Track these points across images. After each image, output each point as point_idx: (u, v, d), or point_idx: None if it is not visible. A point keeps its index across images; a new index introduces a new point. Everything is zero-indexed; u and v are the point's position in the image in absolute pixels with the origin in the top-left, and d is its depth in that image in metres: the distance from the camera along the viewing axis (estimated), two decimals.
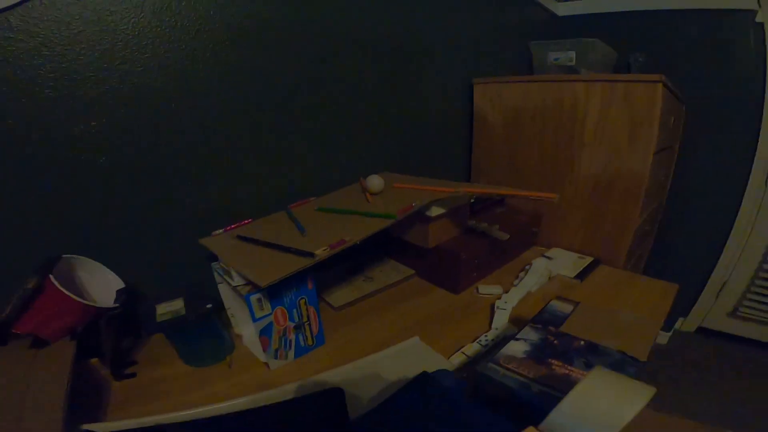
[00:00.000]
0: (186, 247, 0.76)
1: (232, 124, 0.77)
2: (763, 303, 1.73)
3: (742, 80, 1.51)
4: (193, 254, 0.76)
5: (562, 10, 1.75)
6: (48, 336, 0.57)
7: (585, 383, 0.37)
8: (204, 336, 0.67)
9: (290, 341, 0.66)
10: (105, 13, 0.58)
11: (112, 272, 0.68)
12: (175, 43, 0.66)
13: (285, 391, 0.58)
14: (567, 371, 0.45)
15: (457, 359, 0.62)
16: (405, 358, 0.64)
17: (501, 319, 0.71)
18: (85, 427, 0.49)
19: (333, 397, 0.51)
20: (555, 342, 0.51)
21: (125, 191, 0.68)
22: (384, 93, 1.03)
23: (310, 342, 0.69)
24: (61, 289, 0.56)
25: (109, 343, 0.63)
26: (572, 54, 1.39)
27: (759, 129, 1.51)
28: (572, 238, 1.13)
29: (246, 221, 0.77)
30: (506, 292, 0.84)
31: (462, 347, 0.65)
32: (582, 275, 0.92)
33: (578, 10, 1.73)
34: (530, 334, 0.53)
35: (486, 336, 0.67)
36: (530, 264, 0.92)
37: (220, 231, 0.73)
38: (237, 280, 0.60)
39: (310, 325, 0.67)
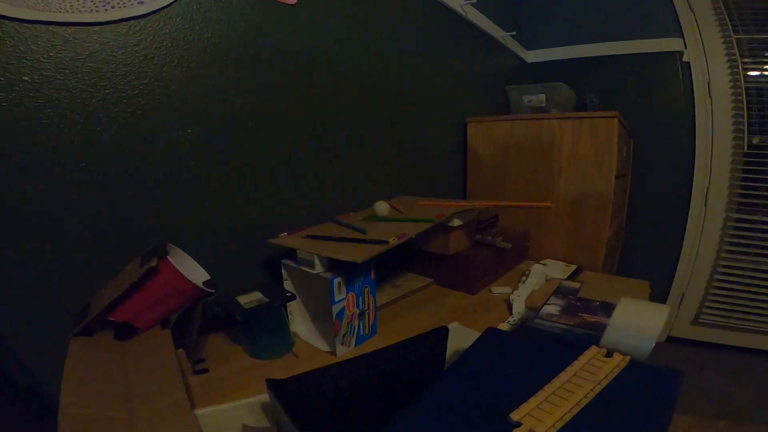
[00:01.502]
0: (246, 251, 0.92)
1: (283, 148, 0.98)
2: (721, 309, 2.03)
3: (675, 114, 1.90)
4: (251, 258, 0.93)
5: (531, 57, 2.13)
6: (142, 325, 0.62)
7: (620, 308, 0.58)
8: (272, 329, 0.77)
9: (354, 328, 0.84)
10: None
11: (198, 264, 0.74)
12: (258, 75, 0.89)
13: None
14: (595, 319, 0.68)
15: None
16: (451, 339, 0.84)
17: (519, 307, 0.94)
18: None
19: (439, 334, 0.62)
20: (577, 304, 0.75)
21: (206, 193, 0.84)
22: (395, 130, 1.29)
23: (367, 331, 0.87)
24: (180, 270, 0.62)
25: (195, 332, 0.69)
26: (543, 96, 1.72)
27: (693, 156, 1.90)
28: (557, 250, 1.40)
29: (302, 228, 0.96)
30: (514, 291, 1.07)
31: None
32: (571, 277, 1.17)
33: (544, 57, 2.12)
34: (556, 300, 0.77)
35: (512, 318, 0.89)
36: (529, 270, 1.17)
37: (285, 234, 0.92)
38: (318, 268, 0.78)
39: (369, 313, 0.86)
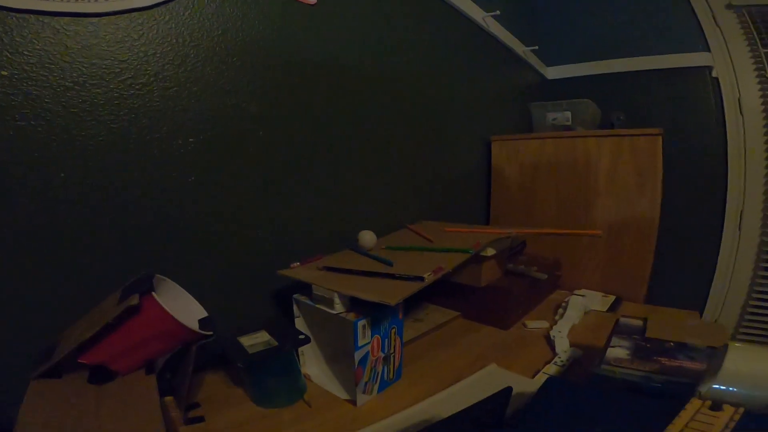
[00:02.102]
0: (254, 283, 0.82)
1: (297, 163, 0.88)
2: (755, 336, 1.91)
3: (706, 132, 1.82)
4: (257, 290, 0.82)
5: (551, 73, 2.06)
6: (122, 368, 0.53)
7: (732, 355, 0.49)
8: (281, 373, 0.67)
9: (377, 374, 0.73)
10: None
11: (194, 300, 0.65)
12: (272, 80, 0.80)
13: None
14: (677, 364, 0.57)
15: (541, 379, 0.72)
16: (489, 384, 0.72)
17: (563, 344, 0.83)
18: None
19: (501, 398, 0.54)
20: (647, 345, 0.63)
21: (207, 212, 0.74)
22: (414, 145, 1.20)
23: (391, 376, 0.76)
24: (167, 310, 0.52)
25: (188, 379, 0.58)
26: (568, 114, 1.64)
27: (726, 177, 1.81)
28: (591, 279, 1.29)
29: (317, 257, 0.85)
30: (551, 326, 0.96)
31: (537, 370, 0.75)
32: (611, 309, 1.06)
33: (565, 74, 2.05)
34: (621, 341, 0.66)
35: (559, 358, 0.78)
36: (566, 302, 1.05)
37: (297, 264, 0.81)
38: (339, 308, 0.67)
39: (394, 357, 0.75)
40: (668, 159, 1.85)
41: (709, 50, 1.77)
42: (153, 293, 0.53)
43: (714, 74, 1.79)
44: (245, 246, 0.80)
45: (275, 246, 0.85)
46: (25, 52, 0.52)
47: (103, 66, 0.58)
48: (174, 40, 0.65)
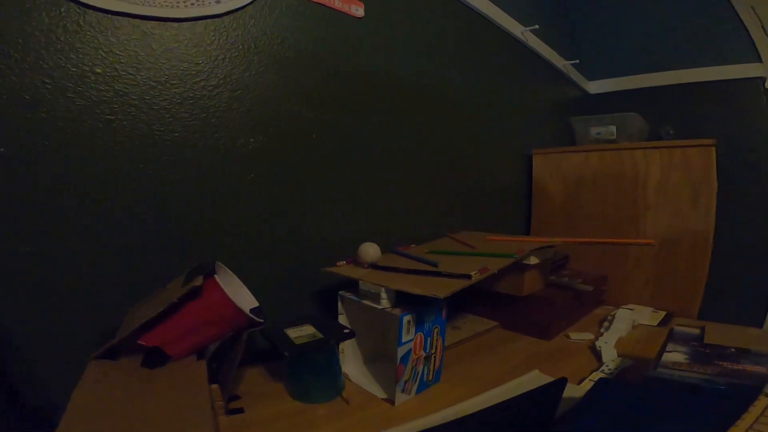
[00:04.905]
0: (297, 278, 0.87)
1: (346, 168, 0.94)
2: None
3: (761, 145, 1.78)
4: (301, 286, 0.88)
5: (593, 88, 2.08)
6: (176, 352, 0.56)
7: None
8: (322, 369, 0.70)
9: (417, 373, 0.75)
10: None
11: (247, 289, 0.68)
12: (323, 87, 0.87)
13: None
14: (740, 367, 0.58)
15: (587, 387, 0.73)
16: (533, 387, 0.74)
17: (609, 354, 0.83)
18: None
19: (556, 387, 0.55)
20: (706, 351, 0.64)
21: (261, 209, 0.80)
22: (455, 158, 1.25)
23: (430, 377, 0.78)
24: (227, 293, 0.56)
25: (235, 366, 0.61)
26: (613, 128, 1.65)
27: None
28: (639, 295, 1.28)
29: None
30: (596, 337, 0.96)
31: (583, 378, 0.76)
32: (663, 324, 1.05)
33: (608, 88, 2.07)
34: (677, 347, 0.67)
35: (606, 366, 0.78)
36: (613, 315, 1.06)
37: (343, 262, 0.86)
38: (385, 303, 0.71)
39: (435, 357, 0.78)
40: (722, 173, 1.82)
41: (761, 60, 1.75)
42: (215, 276, 0.57)
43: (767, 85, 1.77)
44: (293, 244, 0.86)
45: (320, 246, 0.90)
46: (117, 52, 0.60)
47: (182, 68, 0.66)
48: (241, 47, 0.73)
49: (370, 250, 0.83)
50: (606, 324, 1.03)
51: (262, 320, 0.63)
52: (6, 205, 0.54)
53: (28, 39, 0.54)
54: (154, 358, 0.54)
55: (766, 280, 1.85)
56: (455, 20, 1.22)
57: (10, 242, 0.55)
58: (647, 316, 1.11)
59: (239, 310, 0.58)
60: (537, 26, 1.53)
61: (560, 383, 0.53)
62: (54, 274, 0.58)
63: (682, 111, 1.90)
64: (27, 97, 0.54)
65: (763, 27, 1.75)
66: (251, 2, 0.74)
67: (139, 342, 0.53)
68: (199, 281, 0.54)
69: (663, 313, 1.13)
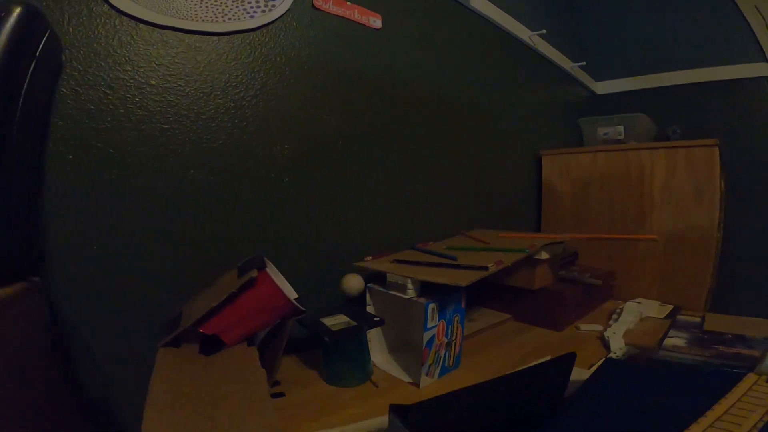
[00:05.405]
0: (329, 273, 0.92)
1: (369, 170, 1.01)
2: None
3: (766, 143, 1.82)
4: (333, 280, 0.92)
5: (600, 88, 2.13)
6: (230, 340, 0.60)
7: None
8: (354, 356, 0.76)
9: (440, 358, 0.82)
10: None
11: (287, 282, 0.73)
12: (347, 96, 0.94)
13: None
14: (735, 351, 0.64)
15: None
16: None
17: (618, 343, 0.89)
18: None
19: (565, 361, 0.58)
20: (705, 336, 0.70)
21: (296, 210, 0.87)
22: (470, 161, 1.32)
23: (451, 363, 0.84)
24: (277, 284, 0.62)
25: (281, 352, 0.66)
26: (620, 128, 1.70)
27: None
28: (647, 290, 1.33)
29: (386, 253, 0.96)
30: (605, 329, 1.02)
31: (593, 364, 0.82)
32: (670, 317, 1.10)
33: (615, 89, 2.11)
34: (678, 333, 0.72)
35: (614, 354, 0.84)
36: (621, 308, 1.11)
37: (370, 258, 0.92)
38: (411, 293, 0.78)
39: (455, 344, 0.84)
40: (731, 172, 1.86)
41: (766, 60, 1.79)
42: (267, 270, 0.63)
43: None
44: (323, 242, 0.93)
45: (348, 243, 0.98)
46: (168, 64, 0.67)
47: (223, 80, 0.73)
48: (275, 59, 0.80)
49: (353, 281, 0.87)
50: (614, 316, 1.08)
51: (304, 309, 0.68)
52: (75, 209, 0.61)
53: (89, 51, 0.61)
54: (212, 345, 0.59)
55: None
56: (466, 28, 1.29)
57: (83, 241, 0.62)
58: (655, 309, 1.16)
59: (287, 299, 0.63)
60: (544, 30, 1.59)
61: (570, 357, 0.58)
62: (120, 271, 0.65)
63: (688, 111, 1.94)
64: (92, 107, 0.61)
65: (767, 26, 1.79)
66: (280, 17, 0.81)
67: (200, 330, 0.59)
68: (254, 273, 0.60)
69: (670, 307, 1.18)
